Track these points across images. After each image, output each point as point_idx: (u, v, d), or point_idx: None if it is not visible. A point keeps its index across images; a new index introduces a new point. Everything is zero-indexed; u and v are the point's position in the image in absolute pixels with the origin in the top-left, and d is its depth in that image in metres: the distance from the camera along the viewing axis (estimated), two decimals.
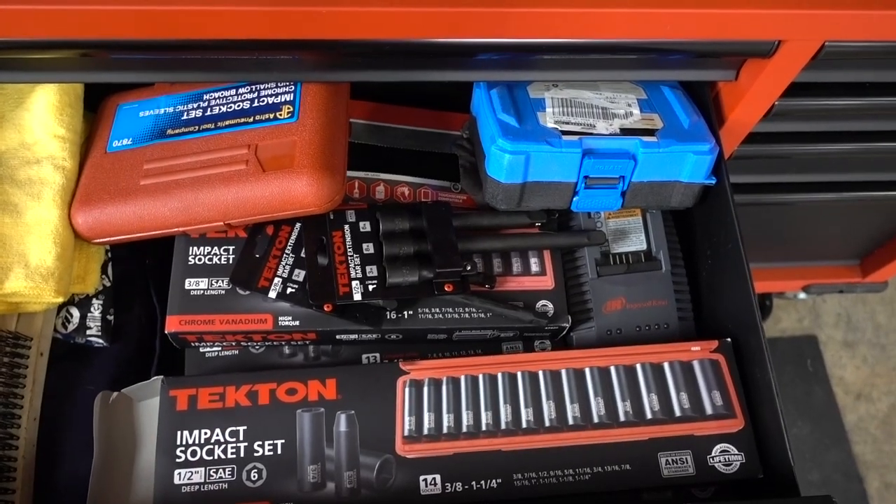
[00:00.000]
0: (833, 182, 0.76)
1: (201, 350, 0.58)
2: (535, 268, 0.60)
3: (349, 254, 0.56)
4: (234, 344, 0.58)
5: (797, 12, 0.48)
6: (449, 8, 0.46)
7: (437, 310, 0.57)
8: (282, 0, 0.45)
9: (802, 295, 1.12)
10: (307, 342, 0.58)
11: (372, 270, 0.55)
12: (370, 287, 0.55)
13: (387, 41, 0.50)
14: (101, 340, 0.57)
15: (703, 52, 0.54)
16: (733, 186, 0.57)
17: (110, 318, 0.58)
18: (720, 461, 0.52)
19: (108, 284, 0.59)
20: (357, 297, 0.54)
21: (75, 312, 0.57)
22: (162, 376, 0.52)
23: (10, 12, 0.44)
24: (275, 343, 0.58)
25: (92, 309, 0.57)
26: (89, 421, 0.53)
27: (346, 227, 0.57)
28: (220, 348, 0.58)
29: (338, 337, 0.57)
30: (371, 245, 0.56)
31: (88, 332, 0.57)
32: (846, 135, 0.66)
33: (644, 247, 0.61)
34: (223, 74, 0.55)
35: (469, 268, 0.56)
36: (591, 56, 0.54)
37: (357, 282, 0.55)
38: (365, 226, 0.57)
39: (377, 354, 0.59)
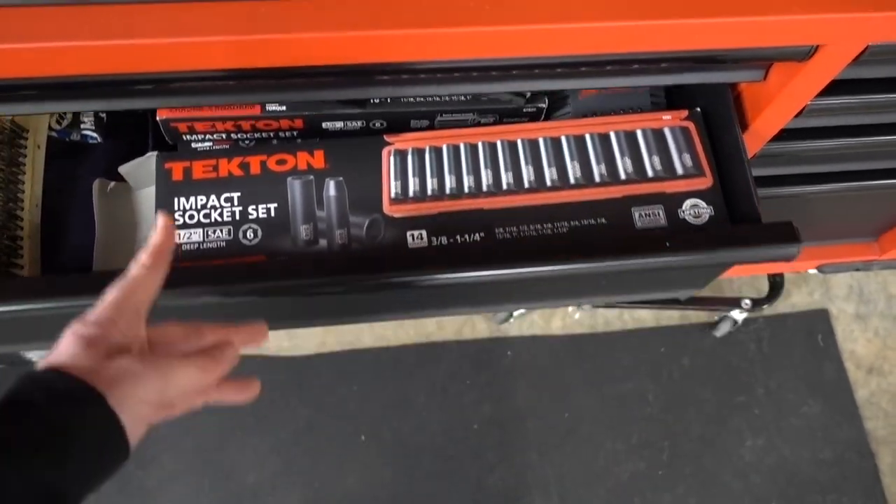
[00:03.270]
0: (858, 171, 0.71)
1: (193, 145, 0.60)
2: None
3: None
4: (224, 137, 0.60)
5: (838, 16, 0.44)
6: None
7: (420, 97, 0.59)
8: (236, 29, 0.42)
9: (813, 269, 1.05)
10: (294, 132, 0.60)
11: None
12: None
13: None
14: (95, 135, 0.59)
15: (735, 59, 0.51)
16: (756, 179, 0.55)
17: (102, 115, 0.60)
18: (690, 214, 0.55)
19: None
20: None
21: None
22: (156, 152, 0.55)
23: None
24: (263, 135, 0.60)
25: None
26: (88, 207, 0.56)
27: None
28: (210, 143, 0.60)
29: (324, 126, 0.59)
30: None
31: (82, 125, 0.59)
32: (882, 127, 0.61)
33: None
34: (173, 99, 0.50)
35: None
36: (612, 67, 0.51)
37: None
38: None
39: None
